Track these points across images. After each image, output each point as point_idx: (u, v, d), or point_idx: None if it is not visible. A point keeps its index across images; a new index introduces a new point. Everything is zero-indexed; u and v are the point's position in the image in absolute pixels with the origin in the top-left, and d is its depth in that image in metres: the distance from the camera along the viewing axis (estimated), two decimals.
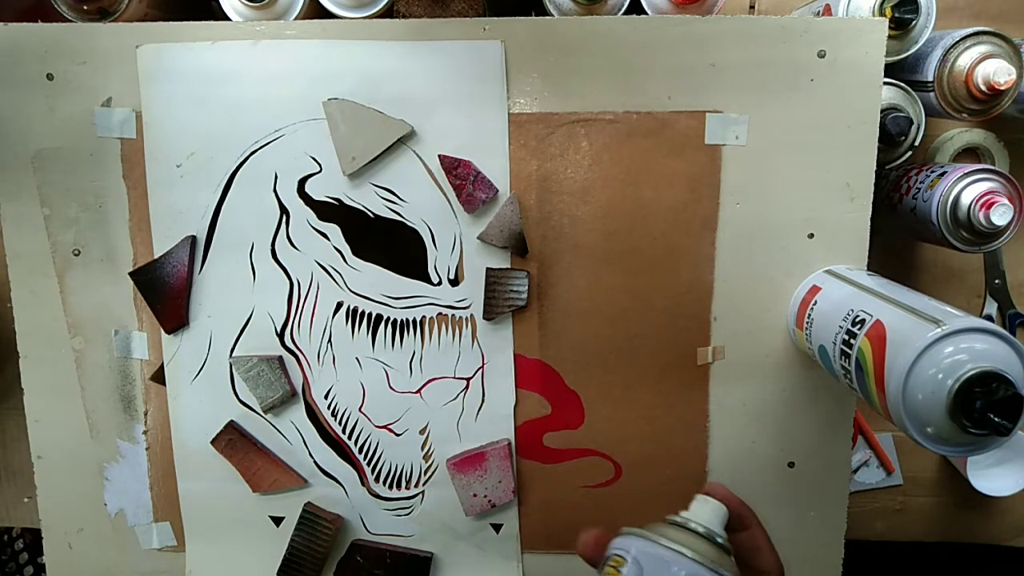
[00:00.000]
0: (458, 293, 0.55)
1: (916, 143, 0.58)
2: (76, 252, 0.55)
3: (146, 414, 0.57)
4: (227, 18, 0.54)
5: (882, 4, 0.53)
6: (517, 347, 0.55)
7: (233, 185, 0.54)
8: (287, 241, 0.54)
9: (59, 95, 0.53)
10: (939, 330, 0.39)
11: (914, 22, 0.54)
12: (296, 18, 0.54)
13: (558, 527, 0.58)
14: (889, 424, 0.46)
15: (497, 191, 0.53)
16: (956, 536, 0.71)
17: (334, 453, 0.57)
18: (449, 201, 0.54)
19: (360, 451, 0.57)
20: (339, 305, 0.55)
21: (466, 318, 0.55)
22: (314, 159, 0.53)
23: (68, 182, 0.54)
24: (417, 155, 0.53)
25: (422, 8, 0.55)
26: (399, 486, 0.57)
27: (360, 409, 0.56)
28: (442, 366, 0.56)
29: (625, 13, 0.54)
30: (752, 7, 0.64)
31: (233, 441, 0.56)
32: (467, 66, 0.52)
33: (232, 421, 0.56)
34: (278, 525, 0.58)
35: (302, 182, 0.54)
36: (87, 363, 0.57)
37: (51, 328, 0.56)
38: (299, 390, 0.56)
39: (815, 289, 0.52)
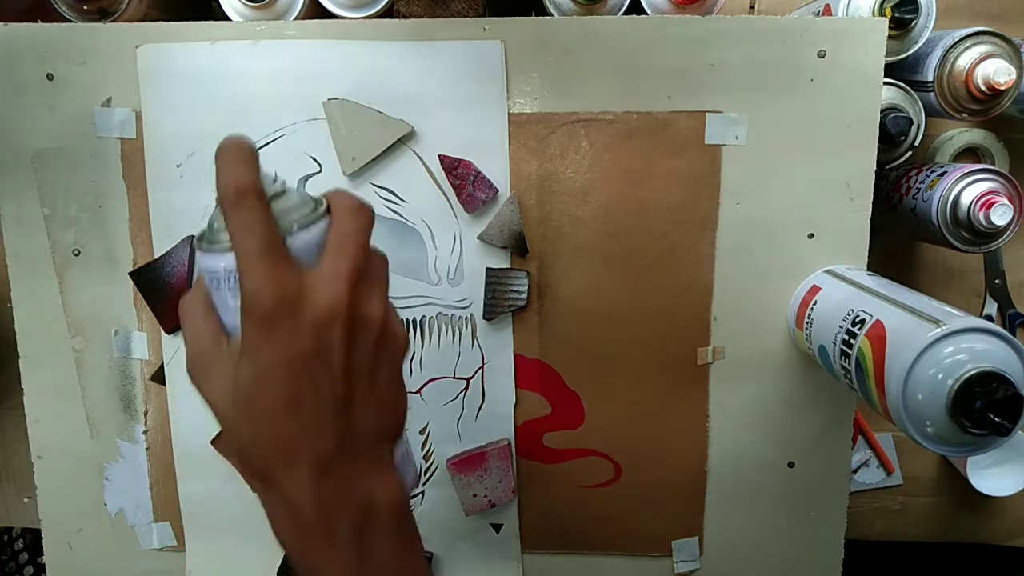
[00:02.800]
0: (458, 293, 0.55)
1: (916, 143, 0.58)
2: (76, 252, 0.55)
3: (146, 414, 0.57)
4: (227, 18, 0.54)
5: (882, 4, 0.53)
6: (517, 347, 0.55)
7: None
8: None
9: (59, 95, 0.53)
10: (939, 330, 0.39)
11: (914, 22, 0.54)
12: (296, 18, 0.54)
13: (558, 527, 0.58)
14: (889, 424, 0.46)
15: (497, 191, 0.53)
16: (956, 536, 0.71)
17: None
18: (449, 201, 0.54)
19: None
20: None
21: (466, 318, 0.55)
22: (314, 159, 0.53)
23: (68, 182, 0.54)
24: (417, 155, 0.53)
25: (422, 8, 0.55)
26: None
27: None
28: (442, 366, 0.56)
29: (625, 13, 0.54)
30: (752, 7, 0.64)
31: None
32: (467, 66, 0.52)
33: None
34: None
35: (302, 182, 0.54)
36: (87, 363, 0.57)
37: (51, 328, 0.56)
38: None
39: (815, 289, 0.52)
